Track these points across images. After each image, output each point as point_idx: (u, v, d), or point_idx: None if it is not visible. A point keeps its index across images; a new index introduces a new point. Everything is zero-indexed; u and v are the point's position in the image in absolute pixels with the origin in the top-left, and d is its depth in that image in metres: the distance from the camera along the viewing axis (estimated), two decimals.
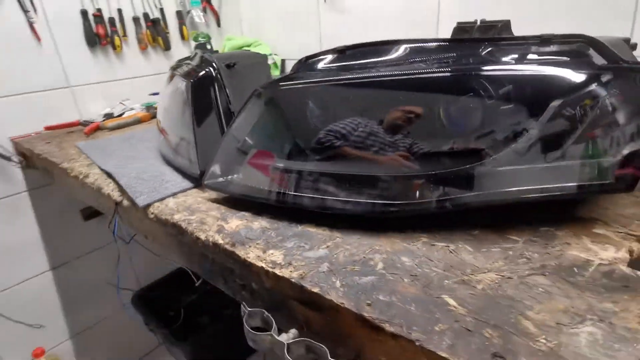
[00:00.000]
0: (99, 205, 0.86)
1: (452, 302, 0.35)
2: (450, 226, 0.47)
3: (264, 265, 0.44)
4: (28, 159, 1.19)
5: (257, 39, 1.78)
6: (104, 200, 0.77)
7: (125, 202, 0.69)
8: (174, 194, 0.66)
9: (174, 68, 0.86)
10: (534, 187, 0.44)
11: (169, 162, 0.80)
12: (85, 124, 1.28)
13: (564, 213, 0.48)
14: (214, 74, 0.74)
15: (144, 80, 1.59)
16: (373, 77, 0.49)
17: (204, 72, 0.73)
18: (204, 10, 1.73)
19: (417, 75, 0.46)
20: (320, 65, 0.56)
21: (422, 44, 0.50)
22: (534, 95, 0.43)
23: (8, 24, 1.16)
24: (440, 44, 0.49)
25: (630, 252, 0.42)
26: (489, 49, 0.45)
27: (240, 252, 0.47)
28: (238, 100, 0.75)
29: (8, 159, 1.20)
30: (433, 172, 0.45)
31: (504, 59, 0.44)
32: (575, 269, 0.38)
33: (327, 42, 1.55)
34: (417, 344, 0.31)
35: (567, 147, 0.42)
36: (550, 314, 0.33)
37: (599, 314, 0.33)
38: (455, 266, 0.40)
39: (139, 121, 1.32)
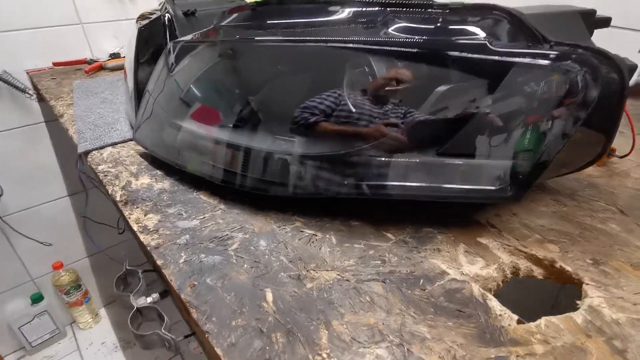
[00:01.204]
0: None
1: (269, 297, 0.34)
2: (337, 214, 0.44)
3: (135, 228, 0.45)
4: (39, 93, 1.26)
5: None
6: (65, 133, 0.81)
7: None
8: (114, 144, 0.68)
9: (139, 17, 0.84)
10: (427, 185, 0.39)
11: (126, 108, 0.82)
12: (90, 62, 1.32)
13: (462, 214, 0.43)
14: (166, 22, 0.71)
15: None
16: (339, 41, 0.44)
17: (153, 19, 0.70)
18: None
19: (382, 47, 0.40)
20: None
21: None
22: None
23: None
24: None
25: (515, 270, 0.37)
26: (392, 19, 0.39)
27: (126, 211, 0.48)
28: None
29: (23, 91, 1.28)
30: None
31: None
32: (421, 281, 0.35)
33: None
34: (206, 335, 0.31)
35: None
36: (353, 327, 0.31)
37: (405, 337, 0.30)
38: (304, 258, 0.38)
39: None
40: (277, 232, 0.42)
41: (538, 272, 0.37)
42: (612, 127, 0.36)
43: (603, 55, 0.34)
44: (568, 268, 0.36)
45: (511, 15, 0.35)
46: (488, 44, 0.33)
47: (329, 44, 0.40)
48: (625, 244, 0.38)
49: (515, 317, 0.31)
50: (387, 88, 0.39)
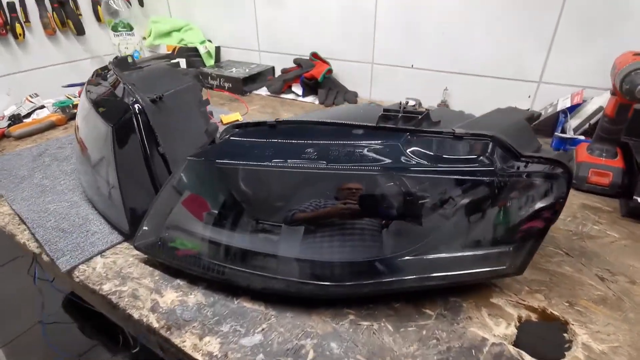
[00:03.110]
0: (14, 248, 0.79)
1: None
2: (376, 300, 0.52)
3: (200, 357, 0.45)
4: None
5: (187, 22, 1.64)
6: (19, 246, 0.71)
7: (46, 258, 0.65)
8: (101, 252, 0.63)
9: (88, 84, 0.78)
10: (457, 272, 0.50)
11: (91, 199, 0.75)
12: None
13: None
14: (137, 112, 0.69)
15: (55, 70, 1.41)
16: (321, 169, 0.50)
17: (128, 114, 0.67)
18: None
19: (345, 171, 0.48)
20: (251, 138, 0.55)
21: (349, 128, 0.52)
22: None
23: None
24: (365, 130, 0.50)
25: (519, 318, 0.50)
26: (410, 140, 0.48)
27: (177, 339, 0.48)
28: (168, 138, 0.71)
29: None
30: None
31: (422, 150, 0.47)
32: (473, 351, 0.45)
33: (264, 31, 1.47)
34: None
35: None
36: None
37: None
38: (377, 352, 0.45)
39: (53, 125, 1.18)
40: (340, 331, 0.48)
41: (534, 317, 0.51)
42: (563, 204, 0.52)
43: (558, 163, 0.49)
44: (556, 313, 0.50)
45: (499, 141, 0.48)
46: (496, 170, 0.46)
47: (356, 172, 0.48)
48: (581, 284, 0.54)
49: None
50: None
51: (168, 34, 1.57)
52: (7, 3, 1.19)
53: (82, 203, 0.76)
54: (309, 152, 0.51)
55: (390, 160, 0.48)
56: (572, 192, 0.77)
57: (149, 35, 1.55)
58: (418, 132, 0.49)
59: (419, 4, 1.12)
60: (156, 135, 0.70)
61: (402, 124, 0.52)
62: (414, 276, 0.49)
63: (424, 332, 0.48)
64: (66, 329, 1.32)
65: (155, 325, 0.50)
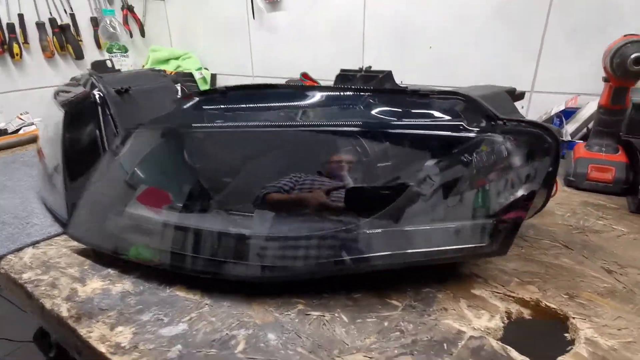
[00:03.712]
0: None
1: None
2: (334, 288, 0.43)
3: (104, 350, 0.37)
4: None
5: (186, 52, 1.68)
6: None
7: None
8: (35, 244, 0.56)
9: (57, 92, 0.76)
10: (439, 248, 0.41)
11: (43, 197, 0.70)
12: None
13: (449, 269, 0.47)
14: (97, 102, 0.65)
15: (51, 91, 1.43)
16: (282, 126, 0.44)
17: (79, 97, 0.64)
18: (126, 20, 1.60)
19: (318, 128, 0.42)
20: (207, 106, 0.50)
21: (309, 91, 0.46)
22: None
23: None
24: (325, 93, 0.45)
25: (509, 315, 0.41)
26: (371, 100, 0.42)
27: (84, 329, 0.39)
28: None
29: None
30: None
31: (379, 109, 0.41)
32: (445, 345, 0.36)
33: (257, 57, 1.50)
34: None
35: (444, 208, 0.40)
36: None
37: None
38: (323, 345, 0.36)
39: (35, 139, 1.17)
40: (283, 321, 0.39)
41: (527, 313, 0.41)
42: (553, 181, 0.44)
43: (544, 127, 0.42)
44: (552, 305, 0.40)
45: (469, 100, 0.42)
46: (465, 125, 0.39)
47: (312, 129, 0.42)
48: (583, 276, 0.45)
49: None
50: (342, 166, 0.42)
51: (166, 61, 1.61)
52: (7, 24, 1.24)
53: (35, 200, 0.71)
54: (267, 115, 0.46)
55: (359, 122, 0.42)
56: (571, 191, 0.69)
57: (147, 63, 1.59)
58: (380, 91, 0.43)
59: (407, 21, 1.12)
60: (116, 125, 0.66)
61: (362, 84, 0.46)
62: (373, 254, 0.41)
63: (386, 324, 0.39)
64: None
65: (65, 314, 0.42)
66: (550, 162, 0.42)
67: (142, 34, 1.65)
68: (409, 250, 0.40)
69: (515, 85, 1.00)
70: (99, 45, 1.52)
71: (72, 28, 1.42)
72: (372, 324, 0.39)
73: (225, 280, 0.43)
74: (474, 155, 0.40)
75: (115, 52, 1.35)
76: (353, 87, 0.43)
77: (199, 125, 0.47)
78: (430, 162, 0.39)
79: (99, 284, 0.47)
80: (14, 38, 1.25)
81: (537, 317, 0.41)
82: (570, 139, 0.83)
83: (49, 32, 1.37)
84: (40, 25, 1.33)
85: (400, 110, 0.43)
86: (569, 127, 0.87)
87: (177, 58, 1.65)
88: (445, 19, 1.06)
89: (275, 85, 0.46)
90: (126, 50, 1.40)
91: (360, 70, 0.47)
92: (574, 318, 0.39)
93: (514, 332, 0.40)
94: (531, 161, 0.41)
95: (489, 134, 0.39)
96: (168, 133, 0.49)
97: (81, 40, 1.47)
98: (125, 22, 1.58)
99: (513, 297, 0.42)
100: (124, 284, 0.46)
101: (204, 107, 0.50)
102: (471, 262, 0.48)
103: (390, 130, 0.40)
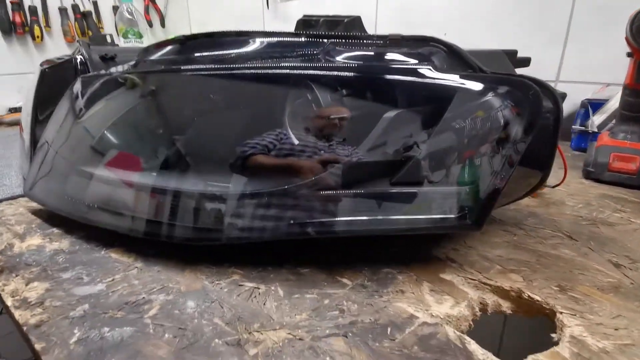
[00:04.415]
0: None
1: None
2: (281, 262, 0.38)
3: (10, 303, 0.33)
4: None
5: None
6: None
7: None
8: None
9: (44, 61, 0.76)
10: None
11: (22, 167, 0.69)
12: None
13: (421, 251, 0.40)
14: (78, 65, 0.64)
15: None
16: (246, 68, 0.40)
17: (64, 62, 0.63)
18: (147, 10, 1.63)
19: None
20: (161, 56, 0.47)
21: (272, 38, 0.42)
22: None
23: None
24: (290, 39, 0.40)
25: (483, 306, 0.34)
26: (332, 48, 0.37)
27: (0, 282, 0.36)
28: None
29: None
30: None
31: (339, 57, 0.36)
32: (389, 329, 0.29)
33: None
34: None
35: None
36: None
37: None
38: (244, 318, 0.31)
39: None
40: (210, 289, 0.34)
41: (506, 306, 0.34)
42: (551, 156, 0.37)
43: (538, 83, 0.35)
44: (537, 297, 0.33)
45: (448, 47, 0.35)
46: (432, 69, 0.33)
47: (269, 71, 0.37)
48: (584, 268, 0.37)
49: None
50: (329, 123, 0.36)
51: None
52: (29, 7, 1.28)
53: (15, 166, 0.70)
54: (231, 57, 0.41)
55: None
56: (589, 183, 0.60)
57: None
58: (343, 37, 0.38)
59: (418, 6, 1.06)
60: None
61: (325, 30, 0.41)
62: (318, 220, 0.35)
63: (326, 302, 0.32)
64: None
65: None
66: (549, 130, 0.35)
67: (162, 24, 1.68)
68: (361, 218, 0.34)
69: (538, 75, 0.91)
70: (119, 33, 1.55)
71: (93, 15, 1.46)
72: (310, 300, 0.33)
73: (173, 244, 0.39)
74: (448, 108, 0.34)
75: (130, 37, 1.37)
76: (313, 33, 0.38)
77: (150, 70, 0.43)
78: (390, 114, 0.33)
79: (37, 241, 0.44)
80: (35, 21, 1.29)
81: (518, 311, 0.34)
82: (596, 130, 0.73)
83: (71, 18, 1.41)
84: (62, 11, 1.37)
85: (361, 58, 0.37)
86: (596, 119, 0.77)
87: None
88: (457, 3, 0.99)
89: (229, 32, 0.42)
90: (140, 37, 1.41)
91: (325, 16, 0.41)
92: (561, 313, 0.31)
93: (485, 326, 0.32)
94: (519, 122, 0.34)
95: (463, 82, 0.33)
96: (124, 80, 0.46)
97: (102, 28, 1.50)
98: (147, 12, 1.61)
99: (490, 285, 0.35)
100: (62, 243, 0.43)
101: (164, 57, 0.47)
102: (449, 245, 0.41)
103: (340, 74, 0.34)
